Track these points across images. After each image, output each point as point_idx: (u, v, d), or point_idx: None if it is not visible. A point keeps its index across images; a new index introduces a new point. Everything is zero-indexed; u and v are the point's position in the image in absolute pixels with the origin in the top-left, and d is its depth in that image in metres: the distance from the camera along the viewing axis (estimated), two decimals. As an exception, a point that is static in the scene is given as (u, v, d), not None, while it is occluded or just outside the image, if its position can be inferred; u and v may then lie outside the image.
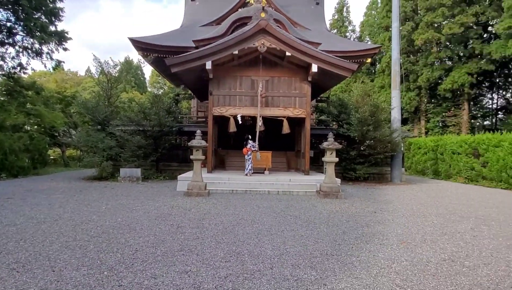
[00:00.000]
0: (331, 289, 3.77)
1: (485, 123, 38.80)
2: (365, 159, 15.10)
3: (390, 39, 35.19)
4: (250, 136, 13.06)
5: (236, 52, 12.03)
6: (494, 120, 38.04)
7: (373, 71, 41.10)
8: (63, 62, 19.64)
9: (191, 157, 10.27)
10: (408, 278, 4.13)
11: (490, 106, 39.38)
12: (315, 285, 3.86)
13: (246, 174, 12.71)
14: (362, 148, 15.01)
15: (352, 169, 15.23)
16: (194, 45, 16.74)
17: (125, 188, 11.94)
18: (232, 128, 12.96)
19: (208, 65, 12.03)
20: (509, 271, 4.45)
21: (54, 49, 19.13)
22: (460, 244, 5.68)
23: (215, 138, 15.03)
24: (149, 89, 52.03)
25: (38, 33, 17.85)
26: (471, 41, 28.46)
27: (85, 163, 14.63)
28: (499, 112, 37.92)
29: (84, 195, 10.12)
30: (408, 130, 29.01)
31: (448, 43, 30.37)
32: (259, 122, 12.67)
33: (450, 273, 4.36)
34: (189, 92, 20.19)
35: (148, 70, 66.15)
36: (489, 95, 38.90)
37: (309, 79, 12.97)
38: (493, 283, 4.07)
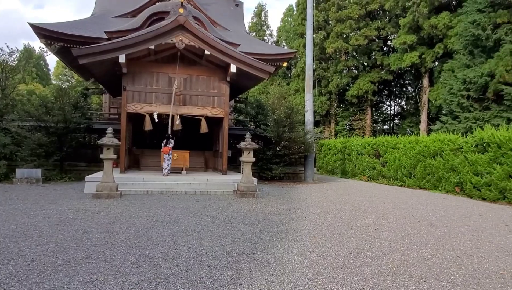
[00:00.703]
0: (247, 288, 3.77)
1: (385, 127, 43.30)
2: (281, 159, 15.65)
3: (304, 46, 37.18)
4: (171, 135, 12.61)
5: (153, 47, 11.52)
6: (391, 125, 42.61)
7: (289, 75, 43.00)
8: None
9: (101, 156, 9.55)
10: (319, 272, 4.33)
11: (388, 112, 44.06)
12: (231, 285, 3.83)
13: (164, 174, 12.26)
14: (278, 149, 15.51)
15: (269, 168, 15.67)
16: (106, 37, 15.63)
17: (21, 190, 10.62)
18: (148, 126, 12.39)
19: (122, 59, 11.31)
20: (403, 260, 4.94)
21: None
22: (364, 237, 6.16)
23: (129, 136, 14.22)
24: (53, 82, 47.39)
25: None
26: (373, 53, 31.41)
27: (-29, 163, 12.66)
28: (396, 118, 42.59)
29: (-32, 199, 8.76)
30: (320, 132, 30.88)
31: (354, 53, 33.11)
32: (177, 121, 12.31)
33: (355, 264, 4.68)
34: (100, 86, 18.82)
35: (52, 60, 60.28)
36: (387, 102, 43.51)
37: (228, 79, 13.00)
38: (391, 271, 4.47)
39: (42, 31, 16.71)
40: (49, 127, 13.35)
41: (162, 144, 12.57)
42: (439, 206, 10.08)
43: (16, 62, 13.93)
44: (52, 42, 16.58)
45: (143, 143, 16.67)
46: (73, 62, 15.87)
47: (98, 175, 10.68)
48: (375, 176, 18.21)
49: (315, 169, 18.00)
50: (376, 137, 19.29)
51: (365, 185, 15.89)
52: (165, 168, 12.41)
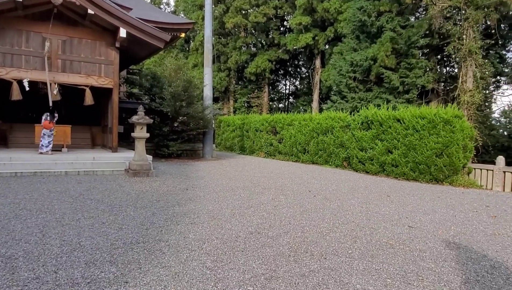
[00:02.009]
0: (133, 286, 3.17)
1: (280, 105, 45.13)
2: (178, 135, 14.85)
3: (203, 18, 35.90)
4: (52, 108, 10.72)
5: (20, -1, 9.50)
6: (286, 103, 44.59)
7: (187, 49, 41.33)
8: None
9: None
10: (218, 258, 3.93)
11: (284, 91, 45.95)
12: (114, 285, 3.17)
13: (46, 152, 10.45)
14: (175, 125, 14.65)
15: (165, 145, 14.75)
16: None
17: None
18: (16, 96, 10.35)
19: (-24, 10, 9.09)
20: (304, 237, 4.86)
21: None
22: (264, 215, 5.99)
23: (-9, 107, 11.79)
24: None
25: None
26: (271, 31, 31.90)
27: None
28: (290, 97, 44.64)
29: None
30: (219, 108, 30.57)
31: (253, 30, 33.19)
32: (54, 90, 10.54)
33: (257, 246, 4.42)
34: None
35: None
36: (283, 82, 45.26)
37: (117, 45, 11.56)
38: (292, 250, 4.31)
39: None
40: None
41: (42, 118, 10.65)
42: (331, 180, 10.63)
43: None
44: None
45: (13, 116, 14.07)
46: None
47: None
48: (272, 152, 18.67)
49: (214, 145, 17.64)
50: (273, 115, 19.71)
51: (263, 161, 16.14)
52: (46, 146, 10.57)
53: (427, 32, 19.79)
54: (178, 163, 13.67)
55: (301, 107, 36.26)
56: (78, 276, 3.32)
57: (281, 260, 3.98)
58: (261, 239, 4.68)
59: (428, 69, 20.90)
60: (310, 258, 4.09)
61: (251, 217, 5.82)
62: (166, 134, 14.52)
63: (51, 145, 10.74)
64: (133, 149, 14.36)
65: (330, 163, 14.84)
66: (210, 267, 3.68)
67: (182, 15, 38.44)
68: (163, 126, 14.37)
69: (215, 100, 32.16)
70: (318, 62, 29.95)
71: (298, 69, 42.80)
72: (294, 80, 45.01)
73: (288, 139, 17.33)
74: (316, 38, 27.61)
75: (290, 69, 42.47)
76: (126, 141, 14.97)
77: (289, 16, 32.88)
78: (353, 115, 14.44)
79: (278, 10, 30.13)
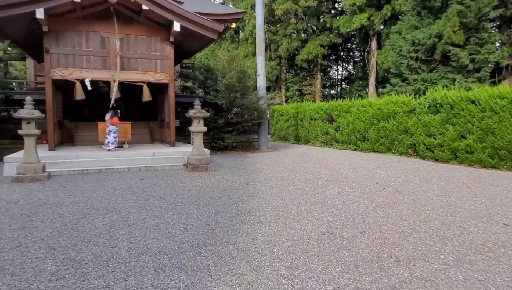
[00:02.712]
0: (206, 300, 2.89)
1: (332, 92, 43.66)
2: (233, 127, 14.70)
3: (252, 7, 35.47)
4: (115, 105, 11.04)
5: (78, 0, 9.70)
6: (339, 89, 43.04)
7: (237, 39, 41.26)
8: None
9: (20, 132, 7.95)
10: (293, 265, 3.55)
11: (336, 77, 44.37)
12: (186, 297, 2.92)
13: (110, 149, 10.82)
14: (230, 116, 14.49)
15: (221, 138, 14.68)
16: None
17: None
18: (79, 95, 10.71)
19: (40, 14, 9.41)
20: (384, 238, 4.33)
21: None
22: (333, 211, 5.51)
23: (58, 107, 12.37)
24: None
25: None
26: (323, 15, 30.67)
27: None
28: (343, 82, 43.02)
29: None
30: (271, 98, 30.17)
31: (304, 16, 32.17)
32: (114, 88, 10.76)
33: (333, 249, 3.98)
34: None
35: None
36: (335, 67, 43.67)
37: (172, 39, 11.53)
38: (374, 255, 3.82)
39: None
40: (-44, 100, 11.17)
41: (107, 116, 10.98)
42: (397, 169, 9.84)
43: None
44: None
45: (78, 115, 14.80)
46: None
47: (20, 154, 9.02)
48: (328, 141, 17.97)
49: (269, 136, 17.29)
50: (328, 102, 18.91)
51: (320, 151, 15.53)
52: (112, 142, 10.92)
53: (499, 2, 17.71)
54: (234, 156, 13.52)
55: (355, 93, 34.78)
56: (148, 284, 3.11)
57: (364, 267, 3.51)
58: (336, 241, 4.23)
59: (502, 44, 18.81)
60: (397, 265, 3.57)
61: (319, 214, 5.37)
62: (221, 127, 14.43)
63: (116, 142, 11.06)
64: (190, 143, 14.51)
65: (393, 151, 13.88)
66: (286, 276, 3.31)
67: (231, 6, 38.29)
68: (218, 118, 14.27)
69: (267, 89, 31.78)
70: (373, 44, 28.35)
71: (351, 53, 41.01)
72: (346, 65, 43.26)
73: (346, 127, 16.53)
74: (372, 18, 26.06)
75: (342, 54, 40.83)
76: (183, 135, 15.13)
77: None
78: (418, 98, 13.32)
79: (330, -8, 28.86)
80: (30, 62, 17.58)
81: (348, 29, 28.01)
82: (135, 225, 4.77)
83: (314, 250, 3.94)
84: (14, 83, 16.83)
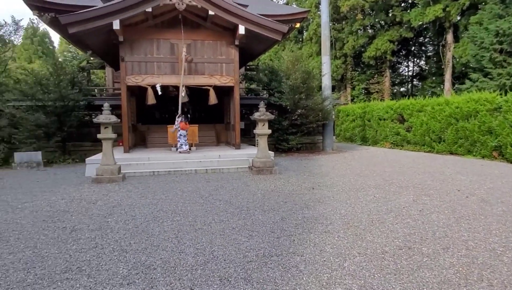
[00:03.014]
0: (274, 318, 2.73)
1: (402, 89, 41.16)
2: (298, 129, 14.45)
3: (317, 6, 34.85)
4: (184, 109, 11.48)
5: (150, 9, 10.18)
6: (409, 87, 40.46)
7: (301, 39, 40.82)
8: None
9: (98, 136, 8.53)
10: (367, 284, 3.25)
11: (406, 74, 41.75)
12: (252, 314, 2.79)
13: (185, 151, 11.27)
14: (294, 118, 14.26)
15: (285, 140, 14.52)
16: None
17: (19, 177, 9.80)
18: (151, 100, 11.26)
19: (116, 25, 10.05)
20: (471, 257, 3.82)
21: None
22: (409, 223, 5.05)
23: (132, 112, 13.16)
24: (60, 60, 46.30)
25: None
26: (392, 9, 29.07)
27: (-32, 148, 11.87)
28: (414, 79, 40.36)
29: (-44, 190, 7.93)
30: (337, 98, 29.34)
31: (371, 11, 30.79)
32: (182, 93, 11.14)
33: (412, 267, 3.59)
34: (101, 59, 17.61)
35: (57, 37, 58.78)
36: (404, 63, 41.12)
37: (237, 43, 11.64)
38: (462, 277, 3.36)
39: (34, 2, 15.39)
40: (47, 106, 12.36)
41: (178, 120, 11.42)
42: (481, 175, 8.85)
43: (5, 37, 12.77)
44: (45, 14, 15.29)
45: (149, 118, 15.64)
46: (71, 34, 14.67)
47: (99, 156, 9.69)
48: (399, 142, 16.93)
49: (334, 137, 16.73)
50: (399, 101, 17.81)
51: (390, 153, 14.65)
52: (183, 144, 11.36)
53: None
54: (298, 158, 13.28)
55: (428, 90, 32.43)
56: (213, 296, 3.04)
57: (451, 292, 3.09)
58: (414, 258, 3.82)
59: None
60: (491, 291, 3.10)
61: (393, 225, 4.94)
62: (285, 128, 14.26)
63: (187, 144, 11.46)
64: (254, 145, 14.55)
65: (474, 153, 12.62)
66: (359, 296, 3.03)
67: (295, 5, 38.01)
68: (282, 120, 14.12)
69: (331, 89, 30.95)
70: (449, 37, 26.19)
71: (423, 48, 38.31)
72: (418, 60, 40.52)
73: (419, 127, 15.43)
74: (447, 9, 24.09)
75: (413, 48, 38.34)
76: (247, 137, 15.24)
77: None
78: (504, 94, 11.96)
79: (400, -16, 27.25)
80: (108, 70, 19.03)
81: (421, 22, 26.19)
82: (202, 230, 4.78)
83: (390, 267, 3.59)
84: (96, 90, 18.29)
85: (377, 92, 31.74)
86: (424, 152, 14.90)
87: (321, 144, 16.44)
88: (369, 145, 19.17)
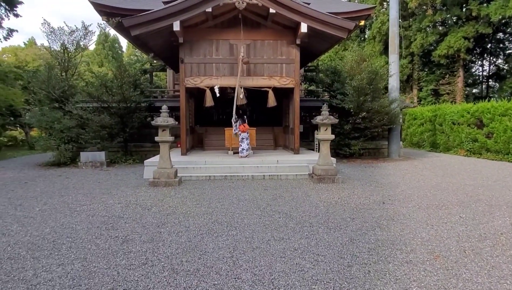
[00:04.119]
0: None
1: (474, 91, 37.56)
2: (361, 133, 13.44)
3: (381, 3, 33.00)
4: (241, 111, 11.15)
5: (210, 9, 9.95)
6: (484, 88, 36.79)
7: (363, 38, 39.01)
8: (16, 30, 17.01)
9: (156, 138, 8.41)
10: None
11: (480, 73, 38.04)
12: None
13: (242, 156, 10.91)
14: (357, 121, 13.30)
15: (346, 144, 13.60)
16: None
17: (82, 176, 10.06)
18: (209, 102, 11.04)
19: (176, 26, 9.96)
20: None
21: (3, 16, 16.64)
22: (514, 255, 4.08)
23: (190, 114, 13.11)
24: (124, 63, 49.00)
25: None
26: (467, 3, 26.49)
27: (40, 146, 12.55)
28: (490, 79, 36.63)
29: (25, 189, 8.22)
30: (403, 100, 27.46)
31: (443, 6, 28.36)
32: (240, 94, 10.78)
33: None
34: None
35: (125, 42, 62.33)
36: (478, 62, 37.48)
37: (298, 42, 11.03)
38: None
39: (103, 8, 16.04)
40: (111, 108, 12.71)
41: (237, 123, 11.10)
42: None
43: (76, 42, 13.36)
44: (113, 19, 15.89)
45: (207, 120, 15.57)
46: (134, 37, 15.08)
47: (157, 158, 9.63)
48: (476, 150, 15.20)
49: (401, 143, 15.41)
50: (477, 103, 15.99)
51: (466, 162, 13.10)
52: (246, 149, 11.00)
53: None
54: (362, 165, 12.31)
55: (508, 91, 29.17)
56: None
57: None
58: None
59: None
60: None
61: (494, 258, 4.02)
62: (347, 132, 13.34)
63: (249, 148, 11.06)
64: (313, 149, 13.82)
65: None
66: None
67: (357, 2, 36.43)
68: (344, 123, 13.22)
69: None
70: (537, 32, 23.16)
71: (501, 45, 34.60)
72: (494, 59, 36.72)
73: (502, 134, 13.72)
74: (536, 0, 21.30)
75: (489, 46, 34.78)
76: (305, 141, 14.55)
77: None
78: None
79: (478, -25, 24.73)
80: (169, 72, 19.42)
81: (501, 17, 23.52)
82: (260, 250, 4.25)
83: (501, 321, 2.77)
84: (157, 92, 18.72)
85: (447, 93, 29.16)
86: (508, 161, 13.16)
87: (386, 150, 15.25)
88: (440, 151, 17.52)
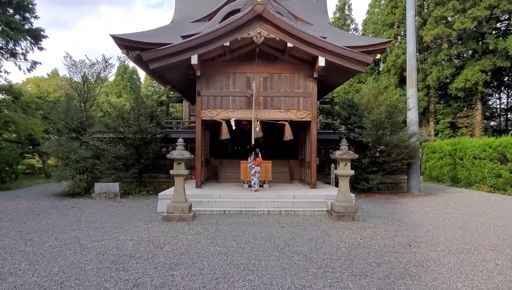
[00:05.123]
0: None
1: (492, 124, 36.81)
2: (379, 167, 13.07)
3: (396, 36, 33.29)
4: (254, 144, 11.01)
5: (228, 43, 10.03)
6: (503, 120, 36.04)
7: (377, 71, 39.14)
8: (40, 63, 17.61)
9: (171, 172, 8.25)
10: None
11: (498, 106, 37.41)
12: None
13: (256, 190, 10.67)
14: (375, 155, 12.97)
15: (365, 179, 13.20)
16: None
17: (96, 208, 9.91)
18: (225, 134, 10.94)
19: (194, 60, 10.04)
20: None
21: (28, 49, 17.27)
22: None
23: (206, 146, 13.01)
24: (141, 94, 50.15)
25: (11, 32, 15.95)
26: (485, 36, 26.44)
27: (56, 176, 12.57)
28: (509, 112, 35.95)
29: (37, 221, 8.08)
30: (426, 134, 27.02)
31: (459, 40, 28.38)
32: (257, 127, 10.66)
33: None
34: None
35: (143, 74, 64.13)
36: (496, 95, 36.95)
37: (315, 75, 10.98)
38: None
39: (123, 42, 16.57)
40: (127, 139, 12.73)
41: (252, 156, 10.93)
42: None
43: (96, 74, 13.66)
44: (132, 52, 16.32)
45: (222, 152, 15.46)
46: (152, 70, 15.37)
47: (172, 191, 9.44)
48: (500, 186, 14.59)
49: (421, 177, 14.91)
50: (499, 137, 15.51)
51: (492, 199, 12.52)
52: (255, 183, 10.79)
53: None
54: (381, 200, 11.86)
55: (528, 125, 28.50)
56: None
57: None
58: None
59: None
60: None
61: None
62: (365, 166, 12.99)
63: (259, 183, 10.87)
64: (329, 183, 13.47)
65: None
66: None
67: (371, 36, 36.88)
68: (361, 157, 12.89)
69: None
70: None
71: (519, 77, 34.18)
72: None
73: (529, 170, 13.14)
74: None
75: (507, 79, 34.38)
76: (322, 173, 14.23)
77: (507, 15, 26.69)
78: None
79: (494, 10, 24.77)
80: (185, 104, 19.62)
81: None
82: (280, 299, 3.92)
83: None
84: (173, 122, 18.85)
85: (466, 126, 28.61)
86: (536, 199, 12.53)
87: (405, 185, 14.77)
88: (462, 187, 16.89)
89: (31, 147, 22.83)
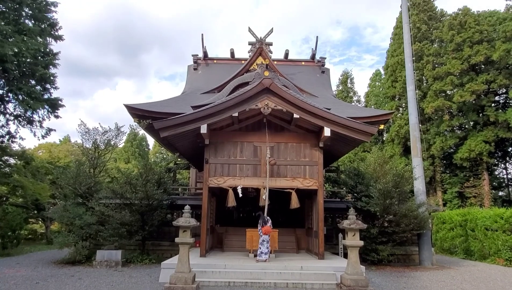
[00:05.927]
0: None
1: (500, 194, 36.29)
2: (389, 237, 12.74)
3: (397, 108, 34.38)
4: (262, 212, 10.90)
5: (236, 114, 10.48)
6: (511, 191, 35.58)
7: (381, 140, 39.81)
8: (54, 130, 18.26)
9: (176, 240, 8.13)
10: None
11: (504, 176, 37.20)
12: None
13: (265, 260, 10.22)
14: (384, 225, 12.72)
15: (374, 250, 12.79)
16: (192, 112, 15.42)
17: (96, 277, 9.60)
18: (231, 202, 10.92)
19: (203, 129, 10.40)
20: None
21: (45, 117, 18.02)
22: None
23: (212, 213, 12.91)
24: (150, 161, 50.92)
25: (31, 101, 16.80)
26: (485, 108, 27.27)
27: (58, 243, 12.35)
28: (516, 182, 35.62)
29: (36, 291, 7.82)
30: (435, 204, 26.66)
31: (459, 112, 29.23)
32: (263, 195, 10.68)
33: None
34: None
35: (152, 141, 65.72)
36: (501, 164, 36.97)
37: (321, 145, 11.25)
38: None
39: (135, 111, 17.33)
40: (133, 205, 12.72)
41: (259, 224, 10.78)
42: None
43: (107, 141, 14.11)
44: (144, 120, 16.98)
45: (227, 220, 15.28)
46: (162, 138, 15.87)
47: (175, 260, 9.18)
48: (517, 260, 14.00)
49: (432, 249, 14.42)
50: (510, 208, 15.26)
51: (509, 274, 12.01)
52: (263, 252, 10.39)
53: None
54: (393, 273, 11.38)
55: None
56: None
57: None
58: None
59: None
60: None
61: None
62: (374, 237, 12.66)
63: (267, 251, 10.49)
64: (337, 253, 13.05)
65: None
66: None
67: (373, 108, 38.16)
68: (370, 227, 12.63)
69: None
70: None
71: (521, 147, 34.47)
72: (518, 161, 36.22)
73: (544, 243, 12.71)
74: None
75: (511, 149, 34.67)
76: (329, 243, 13.85)
77: (504, 89, 27.79)
78: None
79: (491, 84, 25.85)
80: (192, 170, 19.85)
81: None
82: None
83: None
84: (180, 189, 18.92)
85: (474, 196, 28.26)
86: (556, 275, 11.93)
87: (417, 257, 14.24)
88: (475, 259, 16.22)
89: (36, 211, 22.74)
